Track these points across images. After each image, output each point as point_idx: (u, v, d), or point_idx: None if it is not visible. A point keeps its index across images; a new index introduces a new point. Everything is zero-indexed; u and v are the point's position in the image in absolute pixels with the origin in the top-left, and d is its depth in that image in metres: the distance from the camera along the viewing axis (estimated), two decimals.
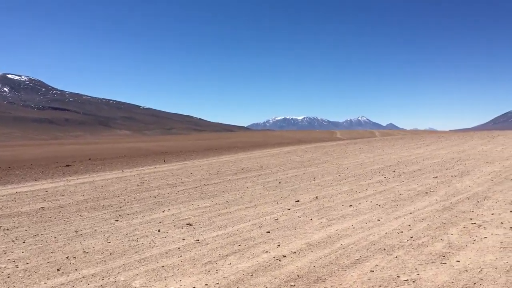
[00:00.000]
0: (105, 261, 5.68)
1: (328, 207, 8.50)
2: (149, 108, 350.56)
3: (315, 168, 15.88)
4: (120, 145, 41.74)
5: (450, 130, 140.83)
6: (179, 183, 13.24)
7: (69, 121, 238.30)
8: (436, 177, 11.99)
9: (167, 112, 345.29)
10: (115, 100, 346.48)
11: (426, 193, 9.56)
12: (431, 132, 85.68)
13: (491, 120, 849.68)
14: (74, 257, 5.89)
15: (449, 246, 5.64)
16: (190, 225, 7.51)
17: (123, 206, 9.73)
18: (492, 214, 7.17)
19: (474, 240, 5.83)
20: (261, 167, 17.40)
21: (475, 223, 6.64)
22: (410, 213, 7.64)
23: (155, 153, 30.36)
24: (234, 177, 14.45)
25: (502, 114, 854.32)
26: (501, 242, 5.68)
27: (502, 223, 6.58)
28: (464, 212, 7.46)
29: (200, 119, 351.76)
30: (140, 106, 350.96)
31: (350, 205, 8.58)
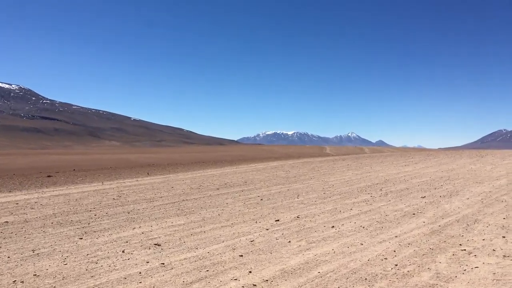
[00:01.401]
0: (54, 287, 5.08)
1: (309, 228, 7.97)
2: (139, 120, 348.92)
3: (300, 185, 15.37)
4: (107, 156, 40.93)
5: (439, 148, 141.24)
6: (157, 198, 12.64)
7: (58, 131, 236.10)
8: (424, 197, 11.53)
9: (157, 124, 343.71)
10: (105, 111, 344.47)
11: (414, 214, 9.07)
12: (420, 149, 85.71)
13: (479, 139, 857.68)
14: (22, 281, 5.28)
15: (437, 277, 5.12)
16: (159, 245, 6.92)
17: (92, 222, 9.11)
18: (483, 239, 6.68)
19: (465, 270, 5.32)
20: (245, 182, 16.85)
21: (465, 250, 6.13)
22: (396, 236, 7.13)
23: (141, 165, 29.69)
24: (215, 192, 13.88)
25: (490, 134, 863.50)
26: (494, 273, 5.17)
27: (494, 250, 6.08)
28: (453, 236, 6.96)
29: (190, 131, 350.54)
30: (131, 118, 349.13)
31: (333, 226, 8.05)
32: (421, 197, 11.42)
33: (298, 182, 16.29)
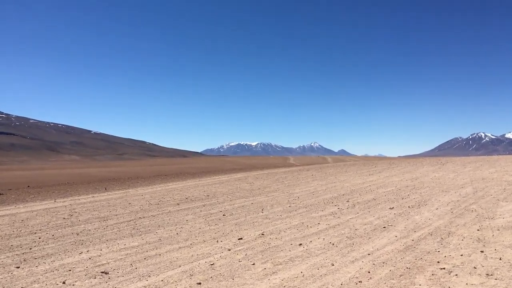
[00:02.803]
0: None
1: (275, 247, 7.33)
2: (100, 133, 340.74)
3: (265, 197, 14.75)
4: (66, 171, 39.23)
5: (398, 156, 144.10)
6: (112, 216, 11.75)
7: (14, 146, 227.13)
8: (393, 208, 11.12)
9: (119, 137, 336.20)
10: (64, 125, 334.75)
11: (384, 227, 8.58)
12: (381, 158, 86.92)
13: (437, 147, 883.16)
14: None
15: None
16: (106, 273, 6.12)
17: (35, 246, 8.18)
18: (461, 255, 6.21)
19: None
20: (208, 196, 16.11)
21: (444, 268, 5.63)
22: (369, 254, 6.58)
23: (100, 179, 28.44)
24: (175, 208, 13.09)
25: (447, 141, 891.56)
26: None
27: (475, 268, 5.60)
28: (429, 252, 6.47)
29: (153, 144, 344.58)
30: (91, 131, 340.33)
31: (300, 244, 7.44)
32: (390, 208, 11.01)
33: (263, 195, 15.68)
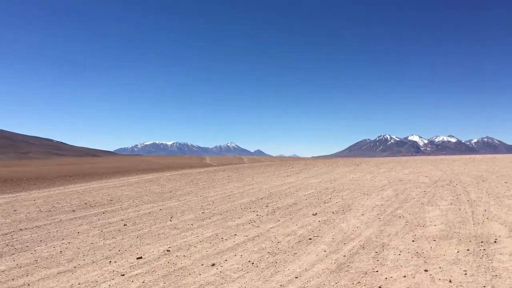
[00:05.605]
0: None
1: (182, 269, 5.91)
2: (1, 130, 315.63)
3: (176, 202, 13.23)
4: None
5: (312, 157, 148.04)
6: None
7: None
8: (316, 214, 10.14)
9: (22, 135, 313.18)
10: None
11: (310, 239, 7.49)
12: (297, 158, 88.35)
13: (347, 148, 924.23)
14: None
15: None
16: None
17: None
18: (404, 276, 5.21)
19: None
20: (111, 200, 14.27)
21: None
22: (296, 277, 5.38)
23: None
24: (69, 216, 11.20)
25: (356, 143, 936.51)
26: None
27: None
28: (366, 273, 5.41)
29: (61, 142, 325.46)
30: None
31: (213, 264, 6.09)
32: (313, 215, 10.01)
33: (174, 199, 14.15)
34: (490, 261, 5.63)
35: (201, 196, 14.78)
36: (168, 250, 7.01)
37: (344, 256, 6.27)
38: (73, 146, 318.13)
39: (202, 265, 6.09)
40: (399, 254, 6.21)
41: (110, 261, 6.46)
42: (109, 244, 7.66)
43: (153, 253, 6.88)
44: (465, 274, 5.17)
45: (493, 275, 5.07)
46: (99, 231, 8.94)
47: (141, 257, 6.60)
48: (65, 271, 6.01)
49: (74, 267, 6.22)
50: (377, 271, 5.48)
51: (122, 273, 5.80)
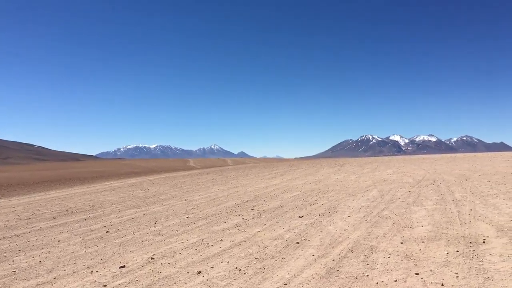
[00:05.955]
0: None
1: (167, 278, 5.72)
2: None
3: (160, 207, 13.00)
4: None
5: (295, 158, 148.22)
6: None
7: None
8: (302, 216, 10.02)
9: (2, 140, 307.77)
10: None
11: (298, 243, 7.36)
12: (280, 160, 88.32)
13: (330, 148, 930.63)
14: None
15: None
16: None
17: None
18: (395, 281, 5.11)
19: None
20: (93, 206, 13.96)
21: None
22: (285, 284, 5.24)
23: None
24: (49, 223, 10.90)
25: (339, 143, 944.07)
26: None
27: None
28: (356, 278, 5.30)
29: (42, 147, 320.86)
30: None
31: (199, 272, 5.91)
32: (299, 217, 9.89)
33: (157, 203, 13.90)
34: (480, 263, 5.57)
35: (185, 200, 14.56)
36: (152, 258, 6.81)
37: (333, 260, 6.15)
38: (54, 151, 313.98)
39: (188, 273, 5.91)
40: (389, 257, 6.12)
41: (92, 271, 6.23)
42: (90, 253, 7.43)
43: (136, 261, 6.67)
44: (457, 277, 5.09)
45: (485, 277, 5.00)
46: (80, 239, 8.69)
47: (124, 266, 6.39)
48: (44, 283, 5.77)
49: (54, 278, 5.98)
50: (367, 275, 5.37)
51: (104, 284, 5.58)
